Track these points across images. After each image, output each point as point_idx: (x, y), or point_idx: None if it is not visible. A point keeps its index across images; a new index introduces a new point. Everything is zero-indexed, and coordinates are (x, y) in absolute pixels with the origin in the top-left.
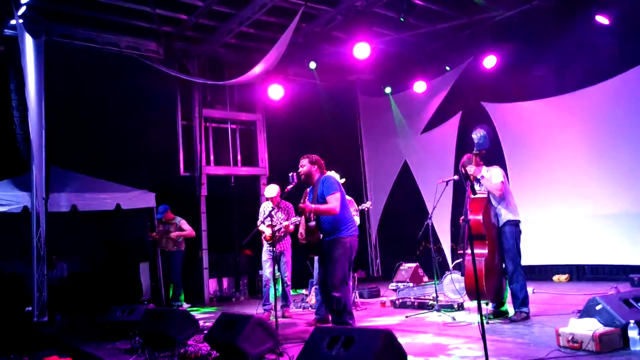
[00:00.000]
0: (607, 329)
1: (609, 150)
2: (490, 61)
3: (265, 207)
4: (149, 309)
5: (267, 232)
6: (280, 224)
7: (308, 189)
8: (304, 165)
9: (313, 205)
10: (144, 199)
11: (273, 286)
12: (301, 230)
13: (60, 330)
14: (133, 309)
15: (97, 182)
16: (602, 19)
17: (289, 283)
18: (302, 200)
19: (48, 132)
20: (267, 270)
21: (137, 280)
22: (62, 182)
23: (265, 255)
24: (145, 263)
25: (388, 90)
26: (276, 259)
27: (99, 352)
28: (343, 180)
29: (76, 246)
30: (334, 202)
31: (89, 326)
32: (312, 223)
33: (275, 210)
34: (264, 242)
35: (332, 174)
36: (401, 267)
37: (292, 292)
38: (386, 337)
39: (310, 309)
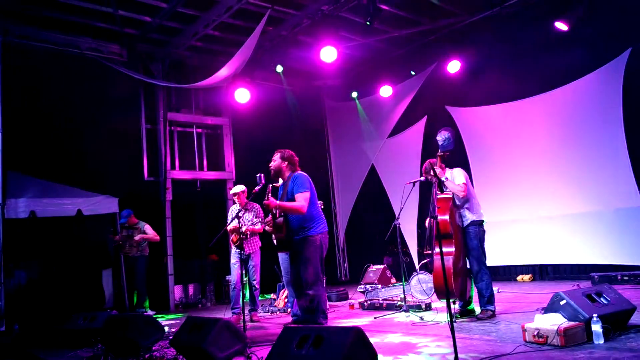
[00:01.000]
0: (572, 323)
1: (568, 153)
2: (454, 66)
3: (233, 209)
4: (112, 315)
5: (235, 234)
6: (246, 225)
7: (279, 185)
8: (275, 159)
9: (278, 202)
10: (106, 205)
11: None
12: (268, 227)
13: (18, 339)
14: (95, 316)
15: (57, 187)
16: (561, 26)
17: (257, 287)
18: (266, 197)
19: (6, 135)
20: (235, 274)
21: (100, 288)
22: (20, 187)
23: (234, 258)
24: (108, 270)
25: (354, 94)
26: (244, 262)
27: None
28: None
29: (35, 253)
30: (301, 201)
31: (48, 335)
32: (280, 219)
33: (242, 212)
34: (232, 244)
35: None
36: (369, 269)
37: (260, 297)
38: (356, 335)
39: (278, 312)
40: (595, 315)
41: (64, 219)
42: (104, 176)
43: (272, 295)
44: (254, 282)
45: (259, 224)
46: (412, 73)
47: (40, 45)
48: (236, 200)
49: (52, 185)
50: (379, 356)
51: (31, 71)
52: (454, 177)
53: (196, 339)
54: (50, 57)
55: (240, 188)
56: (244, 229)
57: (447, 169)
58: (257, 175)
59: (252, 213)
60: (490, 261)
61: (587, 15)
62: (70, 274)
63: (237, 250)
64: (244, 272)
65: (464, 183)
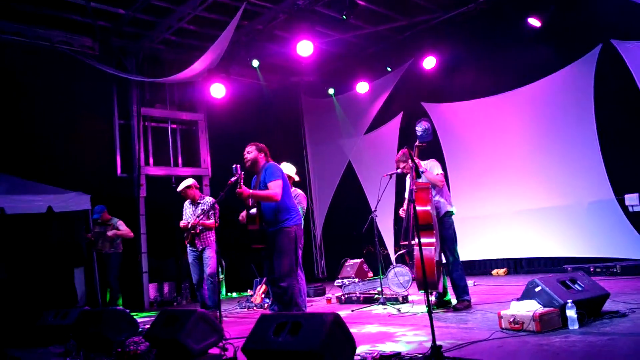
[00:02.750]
0: (547, 309)
1: (541, 147)
2: (429, 62)
3: (186, 205)
4: (84, 311)
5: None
6: (195, 221)
7: (243, 174)
8: (251, 152)
9: (252, 191)
10: (78, 201)
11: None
12: (242, 216)
13: None
14: (67, 313)
15: (27, 184)
16: (534, 22)
17: (210, 281)
18: (239, 185)
19: None
20: (194, 274)
21: (72, 286)
22: None
23: (190, 256)
24: (80, 269)
25: (331, 91)
26: (199, 258)
27: (31, 356)
28: (297, 177)
29: (5, 251)
30: (275, 188)
31: (20, 333)
32: (253, 210)
33: (192, 208)
34: (187, 243)
35: (288, 165)
36: (346, 264)
37: (235, 295)
38: (334, 321)
39: (255, 308)
40: (569, 301)
41: (35, 215)
42: (75, 172)
43: (249, 292)
44: (206, 275)
45: (212, 217)
46: (388, 69)
47: (9, 38)
48: (188, 195)
49: (22, 181)
50: (356, 344)
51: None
52: (433, 168)
53: (171, 331)
54: (20, 50)
55: (186, 183)
56: (190, 225)
57: (421, 161)
58: (234, 166)
59: (204, 207)
60: (466, 255)
61: (558, 12)
62: (42, 272)
63: (191, 248)
64: (204, 266)
65: (441, 173)
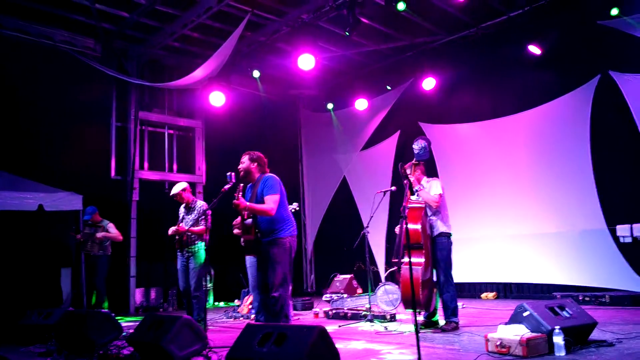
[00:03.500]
0: (534, 334)
1: (536, 174)
2: (429, 83)
3: (181, 210)
4: (68, 311)
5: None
6: (180, 228)
7: (242, 186)
8: (244, 162)
9: (248, 203)
10: (69, 201)
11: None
12: (236, 229)
13: None
14: (50, 313)
15: (18, 181)
16: (534, 49)
17: (194, 295)
18: (236, 197)
19: None
20: (180, 281)
21: (57, 286)
22: None
23: (179, 262)
24: (67, 269)
25: (330, 106)
26: (187, 266)
27: (11, 355)
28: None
29: None
30: (270, 203)
31: (2, 331)
32: (249, 221)
33: (184, 212)
34: (177, 248)
35: None
36: (336, 279)
37: (223, 304)
38: (319, 334)
39: (241, 319)
40: (557, 327)
41: (25, 213)
42: (69, 172)
43: (236, 302)
44: (194, 290)
45: (202, 224)
46: (388, 88)
47: (11, 34)
48: (182, 199)
49: (13, 178)
50: None
51: None
52: (431, 187)
53: (155, 336)
54: (21, 47)
55: (179, 187)
56: (182, 231)
57: (425, 176)
58: (228, 174)
59: (195, 212)
60: (456, 278)
61: (559, 41)
62: (28, 270)
63: (180, 254)
64: (191, 275)
65: (439, 195)
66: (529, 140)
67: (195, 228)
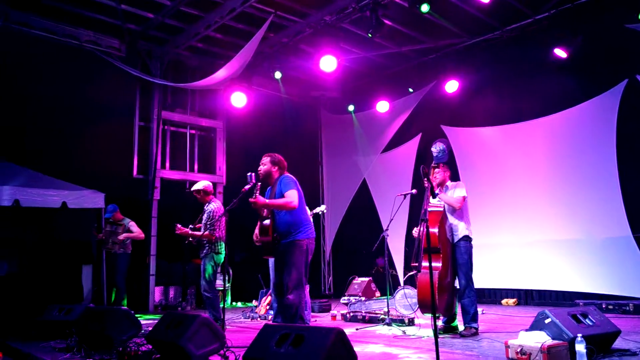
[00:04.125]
0: (555, 342)
1: (560, 179)
2: (452, 86)
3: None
4: (88, 308)
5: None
6: (202, 227)
7: (260, 185)
8: (265, 163)
9: (267, 200)
10: (92, 199)
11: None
12: (256, 231)
13: None
14: (71, 309)
15: (43, 178)
16: (560, 53)
17: (204, 296)
18: (254, 195)
19: None
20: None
21: (79, 283)
22: (5, 175)
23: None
24: (89, 266)
25: (351, 108)
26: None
27: (32, 350)
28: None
29: (16, 243)
30: (291, 196)
31: (23, 326)
32: (267, 222)
33: (203, 212)
34: None
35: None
36: (354, 281)
37: (240, 304)
38: (337, 336)
39: (259, 319)
40: (579, 335)
41: (48, 210)
42: (92, 170)
43: (254, 302)
44: (202, 291)
45: (204, 228)
46: (410, 90)
47: (39, 34)
48: (196, 196)
49: (38, 175)
50: None
51: (27, 59)
52: (455, 190)
53: (173, 334)
54: (48, 46)
55: (198, 185)
56: (194, 232)
57: (449, 180)
58: (248, 174)
59: (206, 214)
60: (476, 283)
61: (585, 44)
62: (51, 266)
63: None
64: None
65: (463, 197)
66: (552, 145)
67: (197, 232)
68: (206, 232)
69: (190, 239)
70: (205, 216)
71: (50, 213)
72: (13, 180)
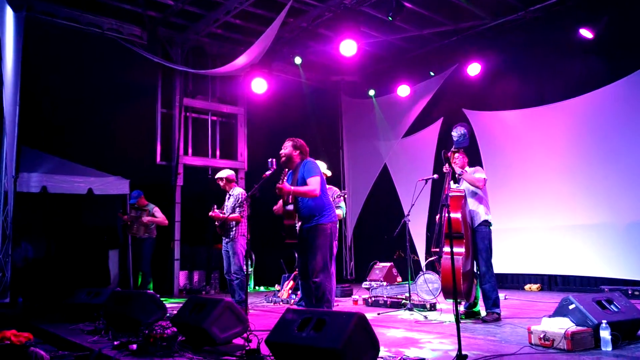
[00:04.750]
0: (579, 328)
1: (584, 163)
2: (474, 69)
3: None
4: (115, 291)
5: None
6: (227, 212)
7: (287, 170)
8: (287, 147)
9: (292, 187)
10: (117, 185)
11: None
12: (277, 207)
13: (21, 311)
14: (98, 292)
15: (70, 165)
16: (586, 33)
17: (234, 277)
18: (280, 181)
19: (22, 110)
20: (224, 263)
21: (105, 267)
22: (33, 162)
23: (223, 245)
24: (115, 251)
25: (372, 92)
26: (228, 250)
27: (61, 331)
28: (329, 173)
29: (44, 229)
30: (314, 184)
31: (52, 309)
32: (290, 207)
33: (227, 197)
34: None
35: (320, 163)
36: (375, 267)
37: (263, 289)
38: (359, 321)
39: (281, 303)
40: (604, 321)
41: (75, 196)
42: (116, 157)
43: (276, 287)
44: (233, 273)
45: (237, 211)
46: (431, 74)
47: (62, 23)
48: (220, 184)
49: (65, 162)
50: (380, 347)
51: (52, 47)
52: (475, 173)
53: (197, 318)
54: (71, 35)
55: (222, 174)
56: (220, 217)
57: (467, 166)
58: (269, 160)
59: (233, 199)
60: (499, 268)
61: (612, 24)
62: (78, 251)
63: (223, 238)
64: (232, 261)
65: (484, 178)
66: (578, 128)
67: (231, 215)
68: (236, 215)
69: (216, 223)
70: (232, 200)
71: (77, 199)
72: (41, 167)
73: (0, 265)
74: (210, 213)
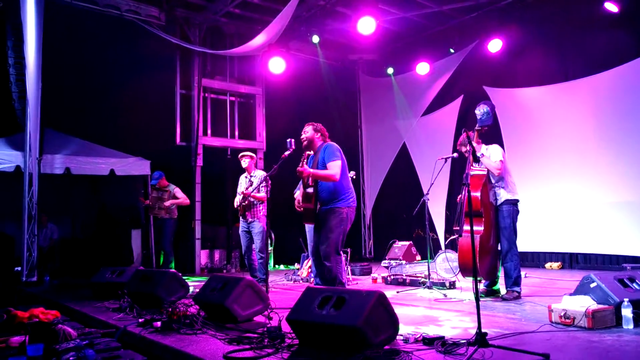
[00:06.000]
0: (601, 306)
1: (609, 140)
2: (495, 45)
3: (241, 178)
4: (139, 270)
5: (236, 201)
6: (249, 191)
7: (308, 153)
8: (307, 131)
9: (312, 170)
10: (138, 166)
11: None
12: (298, 196)
13: (48, 290)
14: (123, 271)
15: (92, 147)
16: (611, 6)
17: (260, 256)
18: (300, 164)
19: (44, 92)
20: (243, 243)
21: (128, 247)
22: (56, 144)
23: (240, 226)
24: (137, 230)
25: (390, 71)
26: (248, 230)
27: (87, 309)
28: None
29: (68, 209)
30: (334, 168)
31: (77, 287)
32: (310, 190)
33: (246, 180)
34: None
35: None
36: (394, 245)
37: (283, 267)
38: (378, 299)
39: (301, 282)
40: (626, 299)
41: (98, 177)
42: (136, 138)
43: (296, 265)
44: (257, 251)
45: (262, 190)
46: (451, 51)
47: (81, 5)
48: (242, 164)
49: (87, 144)
50: (400, 325)
51: (71, 30)
52: (490, 154)
53: (219, 296)
54: (90, 17)
55: (248, 152)
56: (241, 197)
57: (482, 144)
58: (288, 140)
59: (256, 179)
60: (519, 246)
61: None
62: (101, 231)
63: (242, 219)
64: (254, 241)
65: (500, 160)
66: (603, 105)
67: (258, 194)
68: (262, 194)
69: (244, 203)
70: (257, 181)
71: (100, 180)
72: (63, 149)
73: (27, 245)
74: (242, 191)
